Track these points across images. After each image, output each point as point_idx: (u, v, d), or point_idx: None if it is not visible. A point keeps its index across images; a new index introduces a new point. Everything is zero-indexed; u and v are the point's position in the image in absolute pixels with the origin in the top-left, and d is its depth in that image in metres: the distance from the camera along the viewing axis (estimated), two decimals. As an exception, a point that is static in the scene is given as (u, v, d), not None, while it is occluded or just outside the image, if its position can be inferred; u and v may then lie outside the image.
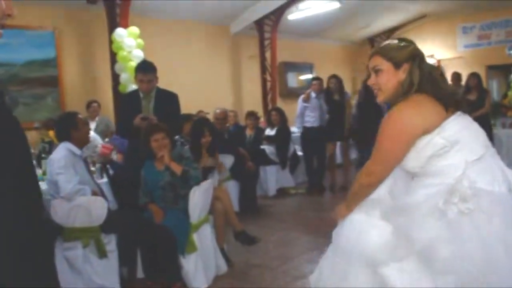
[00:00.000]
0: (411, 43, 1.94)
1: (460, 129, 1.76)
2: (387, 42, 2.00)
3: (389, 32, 13.05)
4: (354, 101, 7.15)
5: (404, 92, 1.85)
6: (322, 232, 4.96)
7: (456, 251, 1.58)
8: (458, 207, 1.62)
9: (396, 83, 1.88)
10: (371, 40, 13.34)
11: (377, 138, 1.86)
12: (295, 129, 8.40)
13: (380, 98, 1.95)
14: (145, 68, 4.25)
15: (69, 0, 7.76)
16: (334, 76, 7.06)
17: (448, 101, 1.79)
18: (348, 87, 11.69)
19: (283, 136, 7.35)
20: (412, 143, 1.77)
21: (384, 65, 1.90)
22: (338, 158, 7.95)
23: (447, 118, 1.77)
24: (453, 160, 1.73)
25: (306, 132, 7.20)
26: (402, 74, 1.87)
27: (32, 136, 6.83)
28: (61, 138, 3.66)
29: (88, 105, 7.48)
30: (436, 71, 1.92)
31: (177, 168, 3.73)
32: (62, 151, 3.54)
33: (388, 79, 1.90)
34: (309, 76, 11.94)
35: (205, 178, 4.36)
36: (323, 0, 9.36)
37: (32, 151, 6.31)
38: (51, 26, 7.88)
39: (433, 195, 1.70)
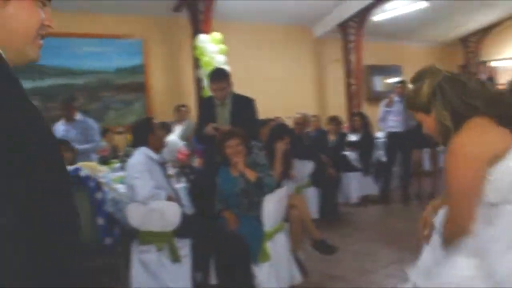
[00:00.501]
0: (424, 77, 1.73)
1: None
2: (408, 90, 1.86)
3: (484, 31, 12.26)
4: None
5: (445, 138, 1.67)
6: (406, 244, 4.71)
7: None
8: None
9: (434, 124, 1.74)
10: (464, 41, 12.60)
11: (446, 180, 1.65)
12: (379, 135, 8.09)
13: (442, 144, 1.78)
14: (217, 77, 4.20)
15: (156, 9, 8.05)
16: None
17: (504, 120, 1.56)
18: (438, 90, 11.11)
19: (366, 141, 7.09)
20: (483, 170, 1.53)
21: (418, 116, 1.81)
22: (427, 165, 7.52)
23: None
24: None
25: (391, 137, 6.89)
26: (435, 117, 1.73)
27: (119, 139, 7.16)
28: (138, 142, 3.73)
29: (177, 108, 7.67)
30: (467, 89, 1.65)
31: (251, 175, 3.67)
32: (140, 156, 3.61)
33: (429, 126, 1.78)
34: (396, 79, 11.50)
35: (279, 184, 4.29)
36: (410, 0, 8.94)
37: (120, 153, 6.61)
38: (139, 35, 8.21)
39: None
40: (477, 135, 1.57)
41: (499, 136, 1.54)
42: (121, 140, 7.04)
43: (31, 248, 0.84)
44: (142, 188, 3.39)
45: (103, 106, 7.95)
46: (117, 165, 6.00)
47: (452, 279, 1.56)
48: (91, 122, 5.03)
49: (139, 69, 8.25)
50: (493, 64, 12.57)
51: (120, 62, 8.06)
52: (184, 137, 6.96)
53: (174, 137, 6.55)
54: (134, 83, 8.21)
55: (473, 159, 1.54)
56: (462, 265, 1.55)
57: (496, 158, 1.51)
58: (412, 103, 1.79)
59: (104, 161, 6.53)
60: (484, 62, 12.65)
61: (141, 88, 8.28)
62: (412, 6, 9.08)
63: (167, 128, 6.66)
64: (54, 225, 0.90)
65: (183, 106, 7.75)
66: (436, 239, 1.94)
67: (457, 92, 1.65)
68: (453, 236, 1.64)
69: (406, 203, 6.75)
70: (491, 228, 1.53)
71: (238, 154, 3.72)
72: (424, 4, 8.85)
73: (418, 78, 1.77)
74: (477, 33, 12.35)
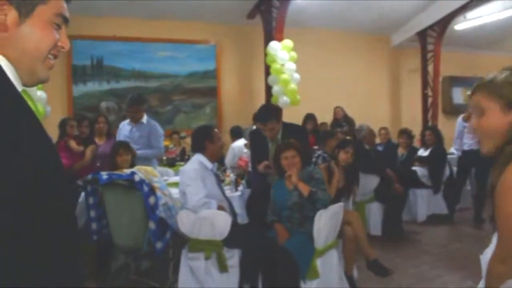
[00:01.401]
0: None
1: None
2: (493, 75, 1.52)
3: None
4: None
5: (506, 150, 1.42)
6: (471, 272, 4.40)
7: None
8: None
9: (506, 126, 1.46)
10: (558, 52, 11.68)
11: (495, 214, 1.46)
12: (453, 150, 7.66)
13: (484, 149, 1.53)
14: (264, 118, 4.08)
15: (230, 16, 8.15)
16: None
17: None
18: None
19: (437, 157, 6.71)
20: None
21: (491, 104, 1.48)
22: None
23: None
24: None
25: (464, 155, 6.51)
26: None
27: (187, 142, 7.32)
28: (196, 149, 3.76)
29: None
30: None
31: (304, 189, 3.57)
32: (194, 163, 3.64)
33: (495, 122, 1.48)
34: (478, 92, 10.90)
35: (338, 199, 4.15)
36: (495, 6, 8.40)
37: (186, 157, 6.74)
38: (213, 40, 8.37)
39: None
40: None
41: None
42: (189, 143, 7.19)
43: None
44: (194, 196, 3.42)
45: (174, 109, 8.18)
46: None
47: None
48: (157, 127, 5.07)
49: (211, 74, 8.40)
50: None
51: (193, 67, 8.26)
52: None
53: (240, 143, 6.59)
54: (205, 88, 8.38)
55: None
56: None
57: None
58: (503, 88, 1.48)
59: (171, 163, 6.71)
60: None
61: (212, 93, 8.44)
62: (499, 15, 8.52)
63: (239, 133, 6.70)
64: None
65: None
66: None
67: None
68: (501, 278, 1.48)
69: (478, 226, 6.32)
70: None
71: (292, 166, 3.65)
72: (511, 12, 8.28)
73: None
74: None
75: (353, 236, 3.90)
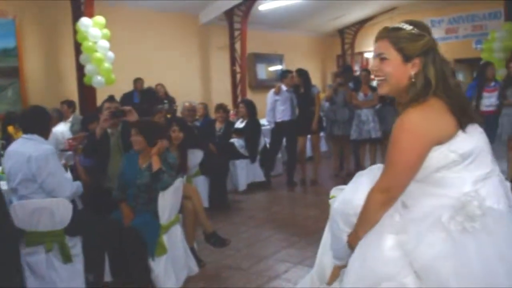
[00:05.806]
0: (425, 31, 1.66)
1: (473, 144, 1.61)
2: (398, 25, 1.69)
3: (359, 24, 13.18)
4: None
5: (417, 93, 1.62)
6: (295, 229, 4.97)
7: (457, 268, 1.48)
8: (463, 225, 1.52)
9: (404, 77, 1.66)
10: (341, 32, 13.42)
11: (389, 149, 1.66)
12: (265, 122, 8.30)
13: (384, 90, 1.73)
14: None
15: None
16: (297, 70, 7.02)
17: (461, 115, 1.62)
18: (317, 78, 11.74)
19: (252, 129, 7.21)
20: (428, 151, 1.60)
21: (392, 54, 1.66)
22: (308, 152, 7.93)
23: (459, 129, 1.61)
24: (461, 174, 1.60)
25: (277, 126, 7.12)
26: (411, 69, 1.65)
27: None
28: (35, 130, 3.39)
29: (61, 106, 7.20)
30: (447, 68, 1.67)
31: (156, 164, 3.53)
32: (44, 143, 3.34)
33: (394, 69, 1.67)
34: (278, 67, 11.90)
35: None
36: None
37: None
38: (11, 14, 7.52)
39: (437, 207, 1.58)
40: (434, 117, 1.59)
41: (448, 125, 1.60)
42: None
43: None
44: (67, 181, 3.26)
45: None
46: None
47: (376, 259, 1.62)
48: None
49: (12, 52, 7.56)
50: (366, 55, 13.57)
51: (-12, 44, 7.34)
52: (74, 132, 6.58)
53: (61, 128, 6.21)
54: (5, 68, 7.51)
55: (424, 139, 1.57)
56: (387, 243, 1.61)
57: (438, 143, 1.59)
58: (402, 42, 1.65)
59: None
60: (361, 53, 13.66)
61: (14, 73, 7.61)
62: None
63: (58, 117, 6.27)
64: None
65: (63, 103, 7.24)
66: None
67: (444, 66, 1.66)
68: (377, 206, 1.67)
69: (291, 189, 7.04)
70: (416, 209, 1.63)
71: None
72: (308, -4, 9.22)
73: (423, 28, 1.67)
74: (353, 26, 13.22)
75: (193, 210, 4.03)
